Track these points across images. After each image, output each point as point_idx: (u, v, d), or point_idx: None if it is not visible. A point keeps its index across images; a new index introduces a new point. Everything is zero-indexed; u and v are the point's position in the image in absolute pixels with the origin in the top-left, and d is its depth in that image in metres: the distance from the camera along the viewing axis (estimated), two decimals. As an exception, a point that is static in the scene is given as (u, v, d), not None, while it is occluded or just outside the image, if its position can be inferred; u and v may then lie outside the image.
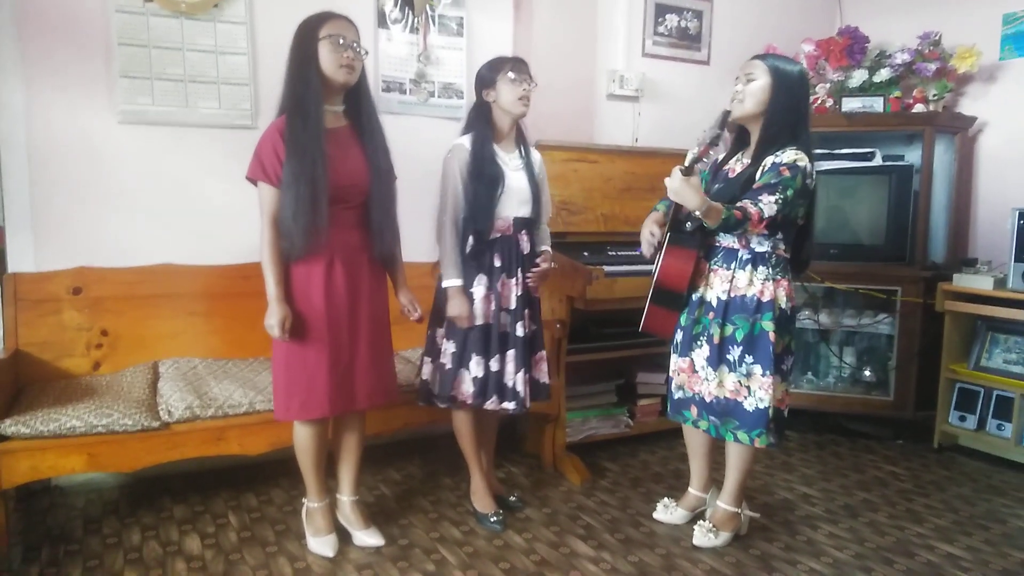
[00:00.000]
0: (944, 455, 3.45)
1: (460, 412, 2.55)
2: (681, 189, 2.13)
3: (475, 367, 2.44)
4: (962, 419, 3.43)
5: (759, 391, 2.29)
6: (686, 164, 2.15)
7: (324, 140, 2.11)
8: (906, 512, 2.81)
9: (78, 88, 2.69)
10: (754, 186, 2.23)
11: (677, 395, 2.48)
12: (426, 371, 2.52)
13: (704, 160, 2.21)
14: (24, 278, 2.64)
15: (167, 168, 2.85)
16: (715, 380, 2.34)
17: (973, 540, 2.59)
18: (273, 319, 2.12)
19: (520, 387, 2.46)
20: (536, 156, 2.60)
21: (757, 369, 2.29)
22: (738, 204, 2.16)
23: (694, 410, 2.43)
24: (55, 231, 2.70)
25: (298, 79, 2.13)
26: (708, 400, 2.37)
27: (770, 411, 2.29)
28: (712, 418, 2.38)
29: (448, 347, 2.47)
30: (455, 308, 2.41)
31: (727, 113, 2.23)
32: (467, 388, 2.46)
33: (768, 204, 2.15)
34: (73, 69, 2.68)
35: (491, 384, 2.45)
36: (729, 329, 2.32)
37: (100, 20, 2.69)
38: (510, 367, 2.47)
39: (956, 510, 2.84)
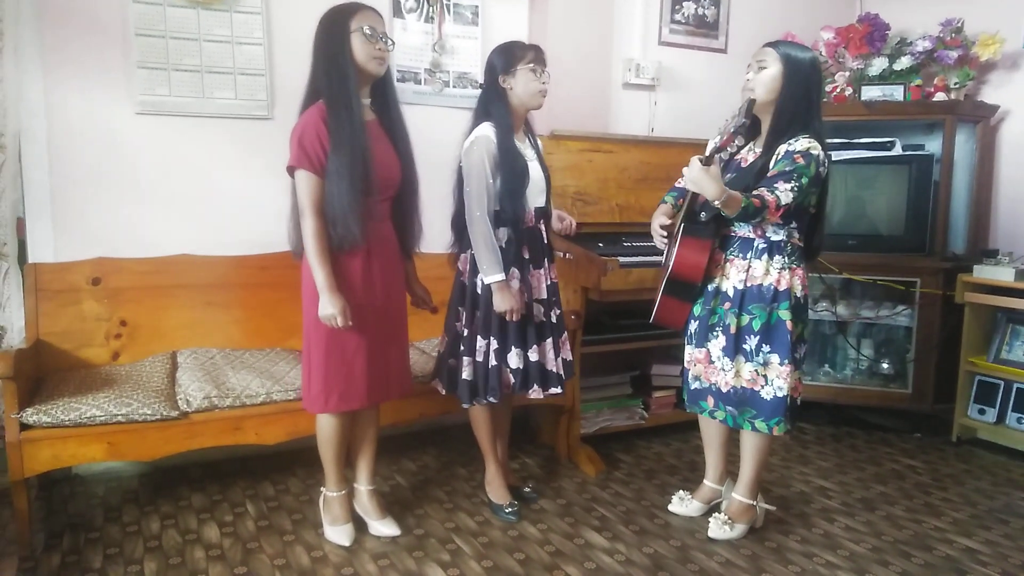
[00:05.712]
0: (963, 448, 3.42)
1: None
2: (700, 179, 2.09)
3: (514, 359, 2.44)
4: (981, 412, 3.39)
5: (777, 380, 2.29)
6: (707, 153, 2.12)
7: (366, 132, 2.11)
8: (924, 505, 2.79)
9: (96, 79, 2.70)
10: (768, 174, 2.21)
11: (694, 385, 2.47)
12: (467, 371, 2.45)
13: (727, 150, 2.18)
14: (44, 268, 2.66)
15: (184, 158, 2.86)
16: (732, 370, 2.34)
17: (992, 534, 2.57)
18: (333, 309, 2.09)
19: (560, 370, 2.51)
20: (539, 144, 2.58)
21: (774, 358, 2.29)
22: (754, 192, 2.15)
23: (711, 400, 2.42)
24: (74, 222, 2.72)
25: (333, 70, 2.10)
26: (725, 390, 2.36)
27: (787, 399, 2.28)
28: (729, 408, 2.37)
29: (484, 343, 2.44)
30: (504, 303, 2.36)
31: (752, 103, 2.19)
32: (508, 379, 2.46)
33: (784, 192, 2.14)
34: (91, 60, 2.69)
35: (532, 374, 2.46)
36: (746, 319, 2.31)
37: (118, 11, 2.70)
38: (551, 355, 2.50)
39: (974, 504, 2.82)
